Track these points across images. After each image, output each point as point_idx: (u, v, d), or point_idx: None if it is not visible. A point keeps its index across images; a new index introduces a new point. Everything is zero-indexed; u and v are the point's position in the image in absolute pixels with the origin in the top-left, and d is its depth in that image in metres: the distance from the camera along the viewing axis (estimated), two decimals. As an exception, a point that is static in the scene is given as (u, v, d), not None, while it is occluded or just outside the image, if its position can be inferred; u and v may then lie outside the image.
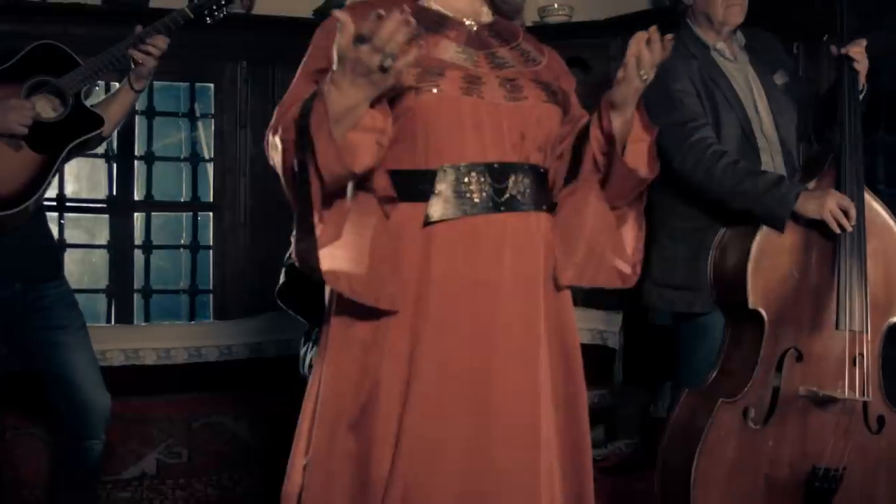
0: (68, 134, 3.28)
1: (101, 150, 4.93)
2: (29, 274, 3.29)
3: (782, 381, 3.00)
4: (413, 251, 2.06)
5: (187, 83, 5.22)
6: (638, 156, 2.21)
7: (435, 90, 2.05)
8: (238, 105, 5.14)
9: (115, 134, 4.83)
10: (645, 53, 2.09)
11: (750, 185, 3.05)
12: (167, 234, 5.38)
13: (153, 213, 5.18)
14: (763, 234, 3.02)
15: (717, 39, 3.34)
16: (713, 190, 3.14)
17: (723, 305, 3.16)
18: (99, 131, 3.33)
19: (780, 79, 3.39)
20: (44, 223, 3.42)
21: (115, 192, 5.04)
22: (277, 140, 1.97)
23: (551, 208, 2.22)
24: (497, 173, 2.08)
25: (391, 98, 2.01)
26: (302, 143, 1.89)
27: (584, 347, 4.84)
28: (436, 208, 2.05)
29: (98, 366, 3.44)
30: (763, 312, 2.99)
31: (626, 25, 4.81)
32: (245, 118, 5.12)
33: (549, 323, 2.16)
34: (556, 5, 5.28)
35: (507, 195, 2.09)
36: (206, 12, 3.47)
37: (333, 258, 1.96)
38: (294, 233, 1.98)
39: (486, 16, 2.27)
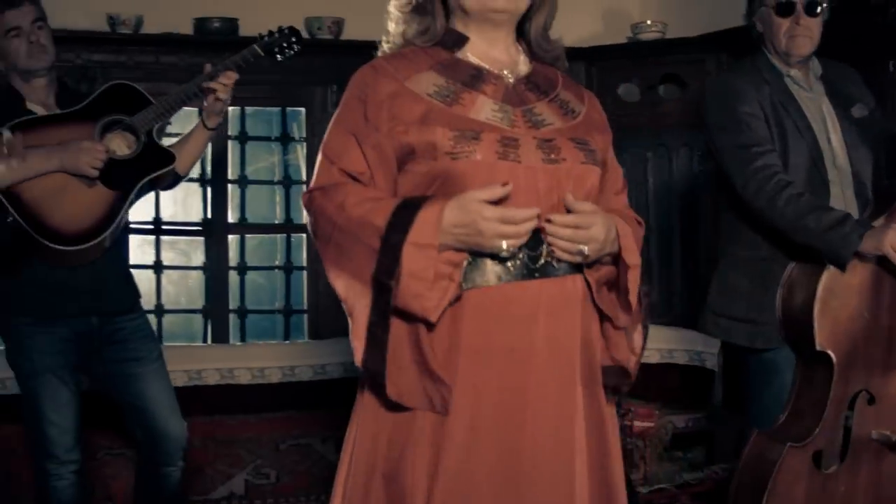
0: (140, 170, 3.36)
1: (195, 174, 5.09)
2: (105, 307, 3.37)
3: (854, 425, 2.88)
4: (444, 317, 2.02)
5: (279, 108, 5.31)
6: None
7: (471, 157, 2.02)
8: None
9: (209, 159, 5.04)
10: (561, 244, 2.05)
11: (813, 221, 2.92)
12: (261, 255, 5.49)
13: (247, 235, 5.28)
14: (830, 273, 2.87)
15: (790, 67, 3.22)
16: (775, 220, 3.03)
17: (792, 344, 3.02)
18: (170, 168, 3.40)
19: (857, 112, 3.23)
20: (121, 257, 3.50)
21: (209, 215, 5.17)
22: (322, 220, 2.09)
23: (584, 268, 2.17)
24: (532, 239, 2.03)
25: (429, 159, 2.04)
26: (388, 264, 1.98)
27: (682, 369, 4.83)
28: (469, 275, 2.03)
29: (174, 395, 3.49)
30: (832, 354, 2.86)
31: (720, 41, 4.74)
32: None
33: (586, 386, 2.13)
34: (649, 22, 5.24)
35: (541, 261, 2.05)
36: (276, 49, 3.55)
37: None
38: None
39: (524, 64, 2.22)
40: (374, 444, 2.11)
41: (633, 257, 2.13)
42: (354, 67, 4.68)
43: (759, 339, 3.14)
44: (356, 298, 2.05)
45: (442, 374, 2.01)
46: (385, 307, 2.01)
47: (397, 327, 2.02)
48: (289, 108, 5.31)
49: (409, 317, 2.01)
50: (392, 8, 2.21)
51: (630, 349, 2.20)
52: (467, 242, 1.99)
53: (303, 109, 5.30)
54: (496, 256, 2.02)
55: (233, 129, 5.18)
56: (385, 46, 2.24)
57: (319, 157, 2.17)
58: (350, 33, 5.09)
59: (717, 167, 3.24)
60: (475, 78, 2.14)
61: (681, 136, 5.13)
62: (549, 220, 2.02)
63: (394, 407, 2.06)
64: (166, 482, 3.48)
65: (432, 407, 2.03)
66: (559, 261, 2.06)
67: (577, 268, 2.10)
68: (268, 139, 5.37)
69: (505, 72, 2.17)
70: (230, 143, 5.19)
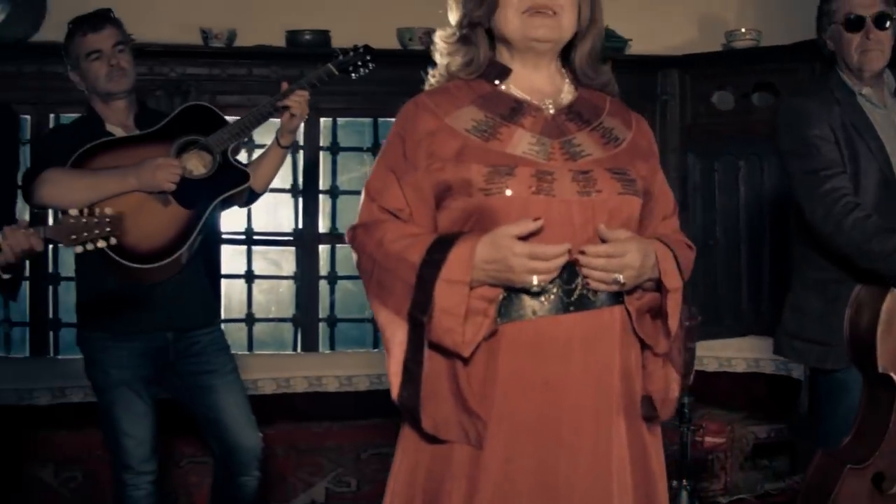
0: (215, 189, 3.44)
1: (287, 185, 5.17)
2: (180, 323, 3.46)
3: (916, 447, 2.83)
4: (479, 349, 2.04)
5: (371, 119, 5.35)
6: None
7: (504, 192, 2.03)
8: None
9: (300, 169, 5.11)
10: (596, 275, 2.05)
11: (878, 244, 2.87)
12: (352, 264, 5.48)
13: (338, 245, 5.34)
14: (894, 296, 2.83)
15: (863, 85, 3.13)
16: (841, 244, 2.98)
17: (858, 366, 2.98)
18: (244, 187, 3.48)
19: None
20: (199, 273, 3.57)
21: (301, 226, 5.23)
22: (363, 257, 2.15)
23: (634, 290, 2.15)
24: (567, 272, 2.04)
25: (464, 195, 2.06)
26: (422, 300, 2.02)
27: (768, 378, 4.75)
28: (504, 309, 2.05)
29: (248, 407, 3.56)
30: (894, 376, 2.83)
31: (813, 50, 4.61)
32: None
33: (627, 417, 2.12)
34: (743, 30, 5.17)
35: (576, 294, 2.05)
36: (350, 68, 3.59)
37: None
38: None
39: (568, 93, 2.21)
40: (414, 476, 2.14)
41: (672, 281, 2.11)
42: None
43: (830, 360, 3.12)
44: (393, 333, 2.09)
45: (477, 409, 2.03)
46: (419, 342, 2.05)
47: (435, 361, 2.05)
48: (380, 119, 5.33)
49: (445, 351, 2.03)
50: (438, 39, 2.23)
51: (666, 378, 2.18)
52: (499, 278, 2.02)
53: (394, 120, 5.29)
54: (531, 291, 2.02)
55: (325, 140, 5.24)
56: (432, 80, 2.26)
57: (362, 194, 2.21)
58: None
59: (790, 191, 3.20)
60: (515, 111, 2.15)
61: (773, 144, 5.01)
62: (582, 252, 2.02)
63: (432, 439, 2.09)
64: (242, 492, 3.55)
65: (468, 440, 2.05)
66: (596, 293, 2.06)
67: (615, 299, 2.09)
68: (359, 150, 5.40)
69: (547, 102, 2.17)
70: (322, 154, 5.24)
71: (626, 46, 5.23)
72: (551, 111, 2.16)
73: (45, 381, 4.49)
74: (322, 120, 5.19)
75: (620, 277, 2.03)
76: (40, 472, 4.24)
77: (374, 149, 5.38)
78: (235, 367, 3.61)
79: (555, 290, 2.04)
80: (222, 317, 4.99)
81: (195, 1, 4.93)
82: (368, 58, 3.60)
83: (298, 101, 3.46)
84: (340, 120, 5.28)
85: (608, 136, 2.17)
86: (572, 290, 2.05)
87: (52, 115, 4.82)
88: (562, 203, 2.04)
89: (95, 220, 2.67)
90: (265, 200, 5.16)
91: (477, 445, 2.04)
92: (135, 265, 3.30)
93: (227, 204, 3.54)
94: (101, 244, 2.70)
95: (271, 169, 3.63)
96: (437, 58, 2.24)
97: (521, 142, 2.10)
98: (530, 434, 2.05)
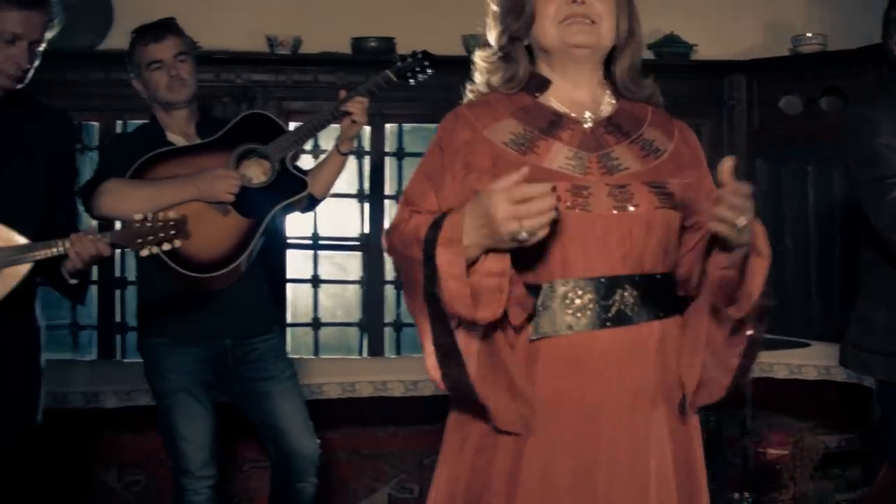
0: (274, 198, 3.46)
1: (353, 190, 5.19)
2: (238, 330, 3.50)
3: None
4: (518, 365, 2.04)
5: (436, 124, 5.31)
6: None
7: None
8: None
9: (366, 175, 5.13)
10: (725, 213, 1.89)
11: None
12: (418, 269, 5.51)
13: (403, 250, 5.33)
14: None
15: None
16: None
17: (924, 378, 2.91)
18: (302, 195, 3.50)
19: None
20: (258, 281, 3.59)
21: (367, 230, 5.24)
22: (394, 255, 2.10)
23: (678, 309, 2.14)
24: (604, 288, 2.02)
25: None
26: (429, 272, 1.94)
27: (839, 386, 4.67)
28: (540, 325, 2.03)
29: (306, 414, 3.58)
30: (964, 391, 2.75)
31: (881, 54, 4.52)
32: (492, 156, 5.18)
33: (670, 435, 2.09)
34: (809, 35, 5.09)
35: (614, 310, 2.03)
36: (408, 74, 3.59)
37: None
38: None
39: (608, 105, 2.19)
40: (453, 488, 2.13)
41: (765, 246, 2.02)
42: None
43: None
44: (420, 321, 2.04)
45: (525, 391, 2.01)
46: (442, 318, 1.99)
47: (466, 342, 2.00)
48: (445, 124, 5.33)
49: (483, 332, 2.00)
50: (477, 59, 2.22)
51: (728, 365, 2.12)
52: (487, 234, 1.90)
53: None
54: (567, 306, 2.00)
55: (390, 146, 5.25)
56: (470, 95, 2.25)
57: (400, 200, 2.21)
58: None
59: (855, 199, 3.14)
60: (553, 124, 2.13)
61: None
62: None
63: (472, 451, 2.08)
64: (299, 498, 3.58)
65: (519, 425, 2.02)
66: (634, 308, 2.03)
67: (653, 313, 2.07)
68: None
69: (586, 115, 2.15)
70: (387, 160, 5.26)
71: (691, 52, 5.17)
72: (590, 124, 2.15)
73: (112, 384, 4.56)
74: (388, 126, 5.21)
75: (742, 220, 1.90)
76: (105, 476, 4.30)
77: (440, 154, 5.37)
78: (294, 373, 3.63)
79: (591, 305, 2.02)
80: (289, 321, 5.08)
81: (261, 9, 4.97)
82: (427, 63, 3.60)
83: (358, 107, 3.48)
84: (406, 126, 5.29)
85: (648, 147, 2.15)
86: (609, 305, 2.03)
87: (119, 122, 4.90)
88: (597, 218, 2.02)
89: (160, 223, 2.72)
90: (332, 205, 5.22)
91: (526, 431, 2.01)
92: (194, 274, 3.34)
93: (286, 211, 3.57)
94: (166, 246, 2.74)
95: (331, 175, 3.65)
96: (476, 76, 2.23)
97: (559, 156, 2.08)
98: (568, 451, 2.03)
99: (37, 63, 2.84)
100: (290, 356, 3.96)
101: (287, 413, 3.54)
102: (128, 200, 3.27)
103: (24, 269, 2.69)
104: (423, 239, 1.97)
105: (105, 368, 4.87)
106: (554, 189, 1.85)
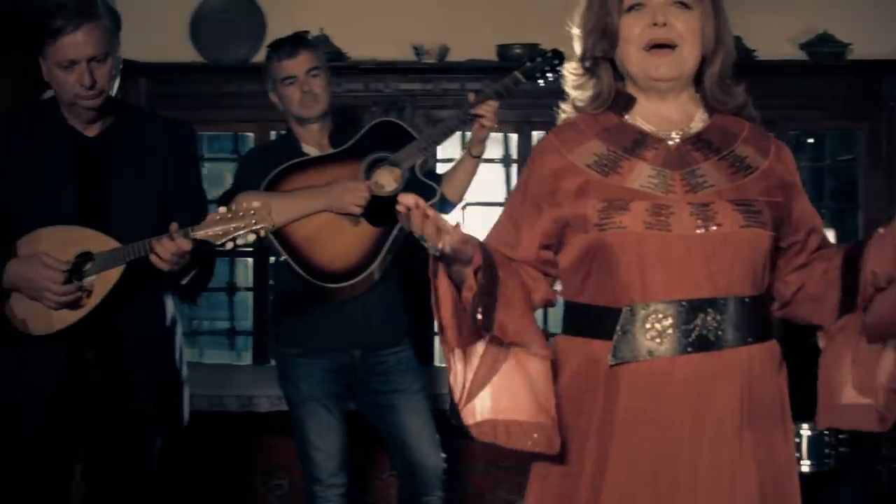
0: (403, 206, 3.46)
1: (500, 198, 5.15)
2: (367, 342, 3.52)
3: None
4: (598, 389, 2.02)
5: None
6: None
7: (618, 227, 1.98)
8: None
9: (513, 183, 5.09)
10: None
11: None
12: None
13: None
14: None
15: None
16: None
17: None
18: (433, 201, 3.47)
19: None
20: (389, 292, 3.59)
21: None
22: None
23: (767, 335, 2.06)
24: (685, 311, 1.96)
25: (581, 231, 2.03)
26: None
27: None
28: (620, 350, 1.99)
29: (433, 428, 3.57)
30: None
31: None
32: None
33: (756, 463, 2.00)
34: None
35: (696, 334, 1.96)
36: (538, 74, 3.55)
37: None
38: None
39: (699, 120, 2.13)
40: None
41: None
42: None
43: None
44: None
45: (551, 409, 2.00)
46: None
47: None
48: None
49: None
50: (566, 72, 2.18)
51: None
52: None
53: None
54: (647, 331, 1.97)
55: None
56: (562, 115, 2.23)
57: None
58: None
59: None
60: (637, 143, 2.09)
61: None
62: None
63: (558, 479, 2.06)
64: (425, 510, 3.58)
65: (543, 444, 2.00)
66: (719, 332, 1.96)
67: (741, 339, 1.99)
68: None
69: (673, 133, 2.10)
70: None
71: (846, 51, 4.91)
72: (676, 141, 2.09)
73: (265, 388, 4.64)
74: (535, 133, 5.14)
75: None
76: (251, 479, 4.39)
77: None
78: (423, 386, 3.63)
79: (672, 329, 1.96)
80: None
81: (408, 18, 4.99)
82: (558, 63, 3.53)
83: (488, 110, 3.45)
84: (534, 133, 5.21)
85: (738, 164, 2.07)
86: (691, 329, 1.96)
87: (273, 133, 5.00)
88: (679, 238, 1.96)
89: (241, 213, 2.69)
90: (478, 213, 5.22)
91: (549, 449, 1.99)
92: (325, 284, 3.38)
93: (414, 220, 3.54)
94: (250, 237, 2.71)
95: (465, 179, 3.64)
96: (567, 89, 2.20)
97: (641, 175, 2.04)
98: (647, 481, 1.98)
99: (114, 74, 2.84)
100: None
101: (413, 427, 3.54)
102: None
103: (117, 272, 2.74)
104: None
105: (259, 373, 4.95)
106: (419, 206, 1.88)
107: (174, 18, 5.03)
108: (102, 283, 2.75)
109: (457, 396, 2.02)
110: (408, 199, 1.88)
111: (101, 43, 2.76)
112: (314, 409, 3.48)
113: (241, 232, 2.68)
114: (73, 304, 2.74)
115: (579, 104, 2.16)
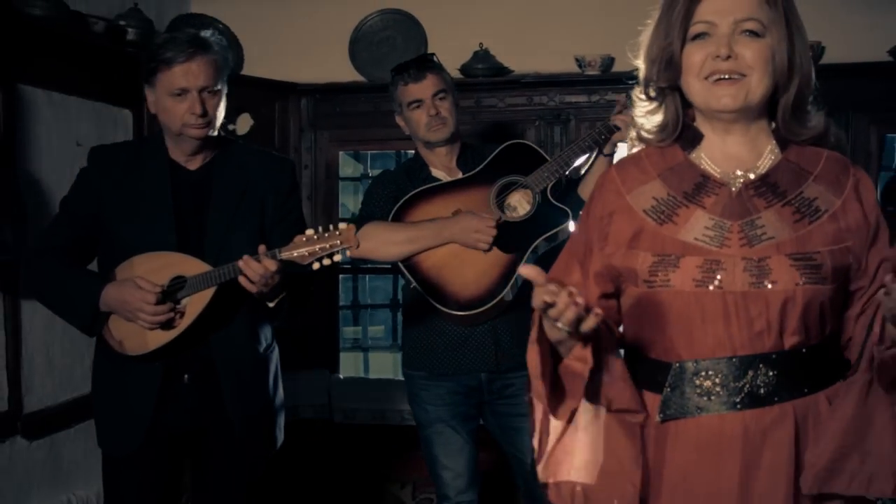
0: (534, 231, 3.35)
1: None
2: (493, 366, 3.43)
3: None
4: (649, 442, 1.98)
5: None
6: None
7: (666, 285, 1.91)
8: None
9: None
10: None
11: None
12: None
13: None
14: None
15: None
16: None
17: None
18: (564, 225, 3.36)
19: None
20: (523, 314, 3.46)
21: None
22: None
23: (832, 379, 1.94)
24: (735, 368, 1.89)
25: (632, 284, 1.97)
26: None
27: None
28: (669, 406, 1.95)
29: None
30: None
31: None
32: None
33: None
34: None
35: (746, 391, 1.89)
36: None
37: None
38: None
39: (770, 157, 1.99)
40: None
41: None
42: (835, 92, 4.34)
43: None
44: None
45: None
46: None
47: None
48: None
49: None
50: (634, 96, 2.09)
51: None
52: (550, 326, 1.84)
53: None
54: (697, 387, 1.90)
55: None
56: (629, 143, 2.14)
57: None
58: (830, 57, 4.63)
59: None
60: (698, 188, 1.99)
61: None
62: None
63: None
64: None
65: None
66: (770, 387, 1.89)
67: (790, 394, 1.90)
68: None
69: (737, 174, 1.97)
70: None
71: None
72: (739, 185, 1.97)
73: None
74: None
75: None
76: (399, 493, 4.40)
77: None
78: (550, 412, 3.49)
79: (720, 386, 1.90)
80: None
81: (569, 30, 4.82)
82: None
83: (626, 120, 3.28)
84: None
85: (805, 209, 1.94)
86: (741, 386, 1.89)
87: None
88: (729, 295, 1.87)
89: (326, 234, 2.76)
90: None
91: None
92: (455, 312, 3.32)
93: (549, 242, 3.42)
94: (336, 258, 2.78)
95: None
96: (635, 117, 2.09)
97: (697, 225, 1.95)
98: None
99: (222, 106, 2.93)
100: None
101: None
102: (385, 244, 3.32)
103: (209, 293, 2.83)
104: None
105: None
106: (572, 294, 1.74)
107: (334, 40, 5.05)
108: (195, 304, 2.84)
109: (538, 451, 2.02)
110: (530, 272, 1.77)
111: (212, 75, 2.87)
112: (441, 430, 3.48)
113: (327, 252, 2.76)
114: (167, 325, 2.83)
115: (645, 135, 2.05)
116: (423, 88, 3.42)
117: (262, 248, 2.76)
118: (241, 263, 2.74)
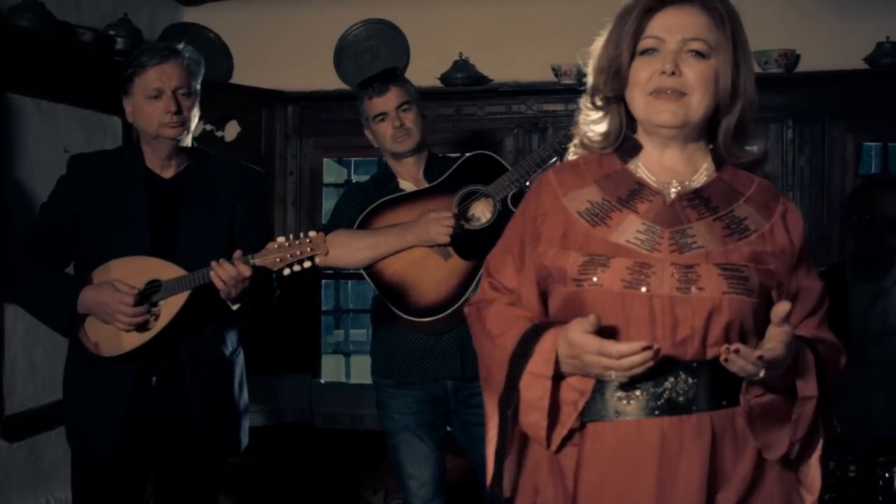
0: (495, 239, 3.41)
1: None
2: (459, 374, 3.50)
3: None
4: (572, 448, 1.99)
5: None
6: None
7: (595, 284, 1.93)
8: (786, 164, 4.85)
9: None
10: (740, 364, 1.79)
11: None
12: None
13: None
14: None
15: None
16: None
17: None
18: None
19: None
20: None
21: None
22: (472, 331, 2.15)
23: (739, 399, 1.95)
24: (656, 374, 1.88)
25: (561, 283, 2.00)
26: (510, 391, 1.98)
27: None
28: (588, 408, 1.95)
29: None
30: None
31: None
32: (794, 177, 4.82)
33: None
34: None
35: (665, 397, 1.90)
36: None
37: None
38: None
39: (705, 174, 2.04)
40: None
41: (807, 389, 1.89)
42: (811, 100, 4.37)
43: None
44: (490, 419, 2.07)
45: None
46: (506, 433, 2.01)
47: (537, 452, 2.03)
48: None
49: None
50: (581, 105, 2.13)
51: (806, 488, 2.00)
52: (581, 371, 1.92)
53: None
54: (619, 389, 1.91)
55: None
56: (571, 149, 2.18)
57: (483, 267, 2.23)
58: (806, 65, 4.75)
59: None
60: (633, 193, 2.03)
61: None
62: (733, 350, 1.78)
63: None
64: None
65: None
66: (689, 395, 1.89)
67: (711, 403, 1.90)
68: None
69: (672, 185, 2.02)
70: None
71: None
72: (672, 196, 2.01)
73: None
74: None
75: (761, 373, 1.80)
76: (372, 498, 4.51)
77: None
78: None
79: (638, 392, 1.90)
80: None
81: (547, 40, 4.91)
82: None
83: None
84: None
85: (735, 226, 1.98)
86: (661, 392, 1.89)
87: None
88: (656, 299, 1.89)
89: (297, 241, 2.89)
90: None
91: None
92: (416, 319, 3.41)
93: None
94: (307, 264, 2.91)
95: None
96: (580, 124, 2.14)
97: (629, 229, 1.97)
98: None
99: (195, 110, 3.08)
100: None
101: None
102: (349, 251, 3.42)
103: (182, 297, 2.95)
104: (510, 353, 1.98)
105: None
106: (651, 347, 1.79)
107: (320, 49, 5.20)
108: (169, 307, 2.96)
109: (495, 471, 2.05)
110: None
111: (185, 77, 3.04)
112: (408, 439, 3.53)
113: (297, 259, 2.89)
114: (142, 327, 2.95)
115: (587, 142, 2.11)
116: (387, 101, 3.52)
117: (237, 253, 2.89)
118: (213, 264, 2.87)
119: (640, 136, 2.07)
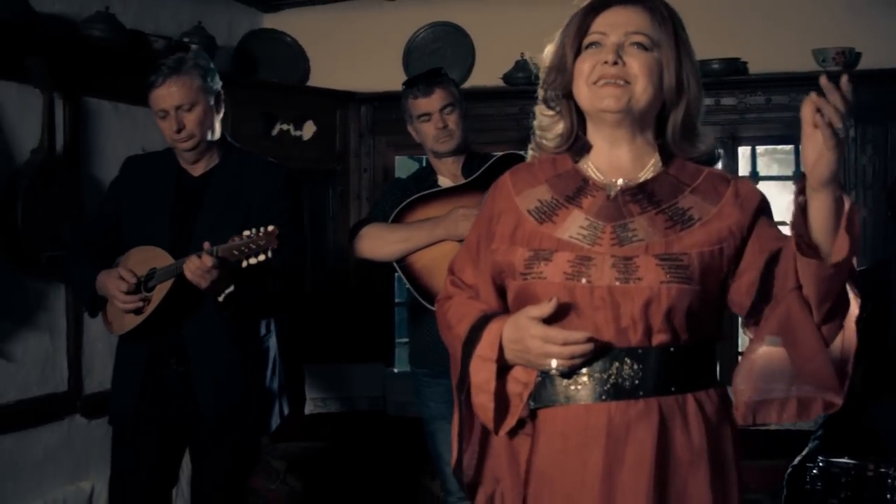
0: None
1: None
2: None
3: None
4: (525, 437, 2.10)
5: (792, 145, 5.10)
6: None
7: (539, 277, 2.01)
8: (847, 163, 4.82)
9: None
10: (827, 109, 1.70)
11: None
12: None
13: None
14: None
15: None
16: None
17: None
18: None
19: None
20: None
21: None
22: (439, 325, 2.29)
23: (703, 384, 2.02)
24: (601, 360, 1.98)
25: (510, 278, 2.10)
26: (462, 375, 2.12)
27: None
28: (539, 395, 2.05)
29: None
30: None
31: None
32: (856, 176, 4.81)
33: None
34: None
35: (611, 382, 1.97)
36: None
37: None
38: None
39: (651, 169, 2.10)
40: None
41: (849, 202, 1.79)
42: (873, 99, 4.60)
43: None
44: (455, 405, 2.21)
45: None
46: (465, 418, 2.15)
47: (496, 439, 2.14)
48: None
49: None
50: (536, 109, 2.21)
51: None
52: (523, 359, 2.03)
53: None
54: (567, 375, 2.00)
55: (743, 169, 5.08)
56: (531, 152, 2.27)
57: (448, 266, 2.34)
58: (867, 63, 4.74)
59: None
60: (579, 190, 2.10)
61: None
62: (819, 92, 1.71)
63: None
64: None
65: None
66: (635, 381, 1.96)
67: (657, 389, 1.97)
68: (785, 178, 5.16)
69: (616, 181, 2.09)
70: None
71: None
72: (615, 191, 2.08)
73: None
74: (740, 149, 5.03)
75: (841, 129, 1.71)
76: (430, 484, 4.65)
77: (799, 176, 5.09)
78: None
79: (584, 377, 1.99)
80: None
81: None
82: None
83: None
84: (759, 148, 5.09)
85: (678, 217, 2.03)
86: (606, 377, 1.98)
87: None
88: (597, 290, 1.96)
89: (255, 236, 3.00)
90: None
91: None
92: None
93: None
94: (261, 258, 3.01)
95: None
96: (535, 127, 2.22)
97: (573, 225, 2.05)
98: None
99: (205, 121, 3.24)
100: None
101: None
102: (382, 244, 3.59)
103: (168, 284, 3.15)
104: (463, 340, 2.11)
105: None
106: (592, 339, 1.92)
107: (389, 52, 5.43)
108: (158, 293, 3.19)
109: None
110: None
111: (186, 94, 3.20)
112: (443, 427, 3.59)
113: (252, 251, 3.00)
114: (137, 311, 3.20)
115: (543, 143, 2.19)
116: (432, 102, 3.65)
117: (206, 244, 3.02)
118: (186, 260, 3.03)
119: (591, 134, 2.13)
